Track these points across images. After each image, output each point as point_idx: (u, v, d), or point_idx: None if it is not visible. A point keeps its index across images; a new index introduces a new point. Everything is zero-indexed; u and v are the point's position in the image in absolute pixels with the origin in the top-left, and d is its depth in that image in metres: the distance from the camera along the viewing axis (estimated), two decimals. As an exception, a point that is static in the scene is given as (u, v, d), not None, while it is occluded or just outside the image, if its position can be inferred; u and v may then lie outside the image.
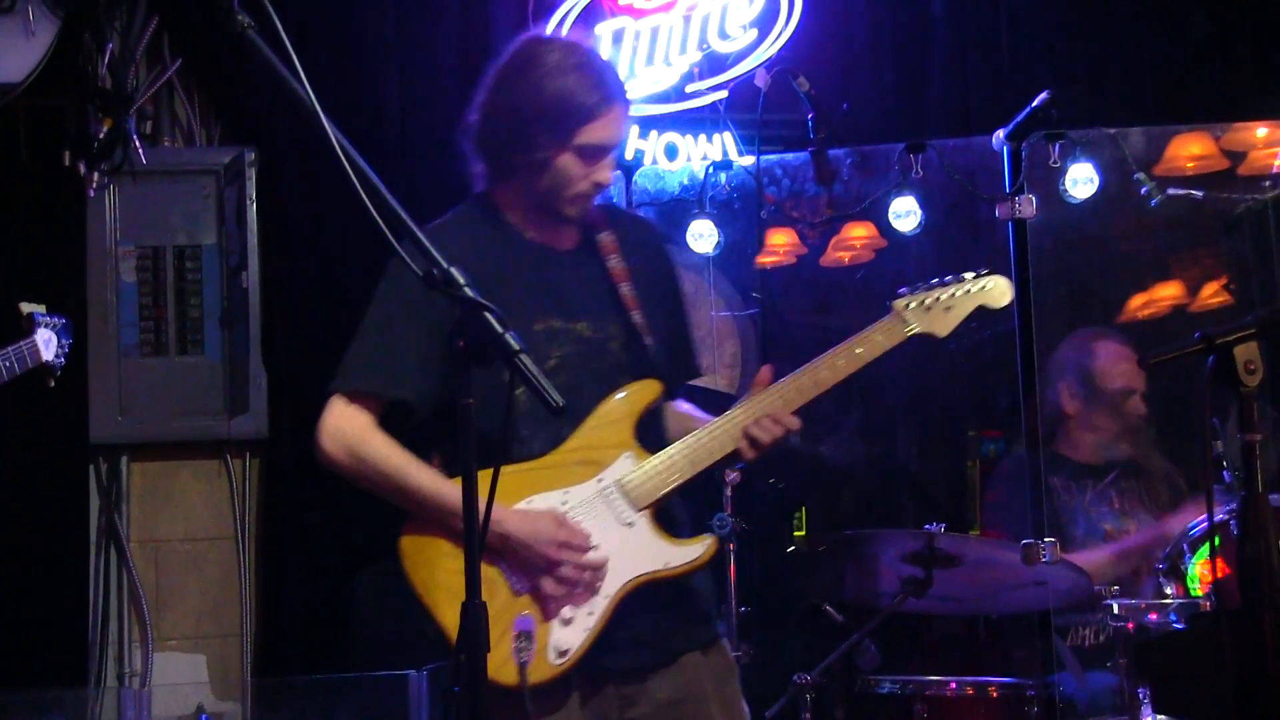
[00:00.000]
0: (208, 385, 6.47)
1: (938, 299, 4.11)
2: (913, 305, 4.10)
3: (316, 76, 2.89)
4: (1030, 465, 5.66)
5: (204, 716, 5.99)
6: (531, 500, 3.83)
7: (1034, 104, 5.43)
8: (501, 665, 3.63)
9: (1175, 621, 4.95)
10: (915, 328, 4.08)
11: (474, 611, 2.95)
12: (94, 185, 6.35)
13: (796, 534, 5.77)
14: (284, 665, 6.22)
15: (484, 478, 3.76)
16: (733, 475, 5.36)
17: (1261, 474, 3.44)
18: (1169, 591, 5.01)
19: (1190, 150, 6.00)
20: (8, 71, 6.34)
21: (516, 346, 2.90)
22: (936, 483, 6.23)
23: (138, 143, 6.37)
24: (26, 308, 3.77)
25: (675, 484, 3.93)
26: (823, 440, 6.13)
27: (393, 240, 2.90)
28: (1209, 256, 6.46)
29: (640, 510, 3.89)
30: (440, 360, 3.83)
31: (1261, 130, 6.13)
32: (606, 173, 3.98)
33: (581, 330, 3.99)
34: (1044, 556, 5.08)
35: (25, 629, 6.15)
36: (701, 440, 3.95)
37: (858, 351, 4.03)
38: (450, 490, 3.78)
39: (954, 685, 5.34)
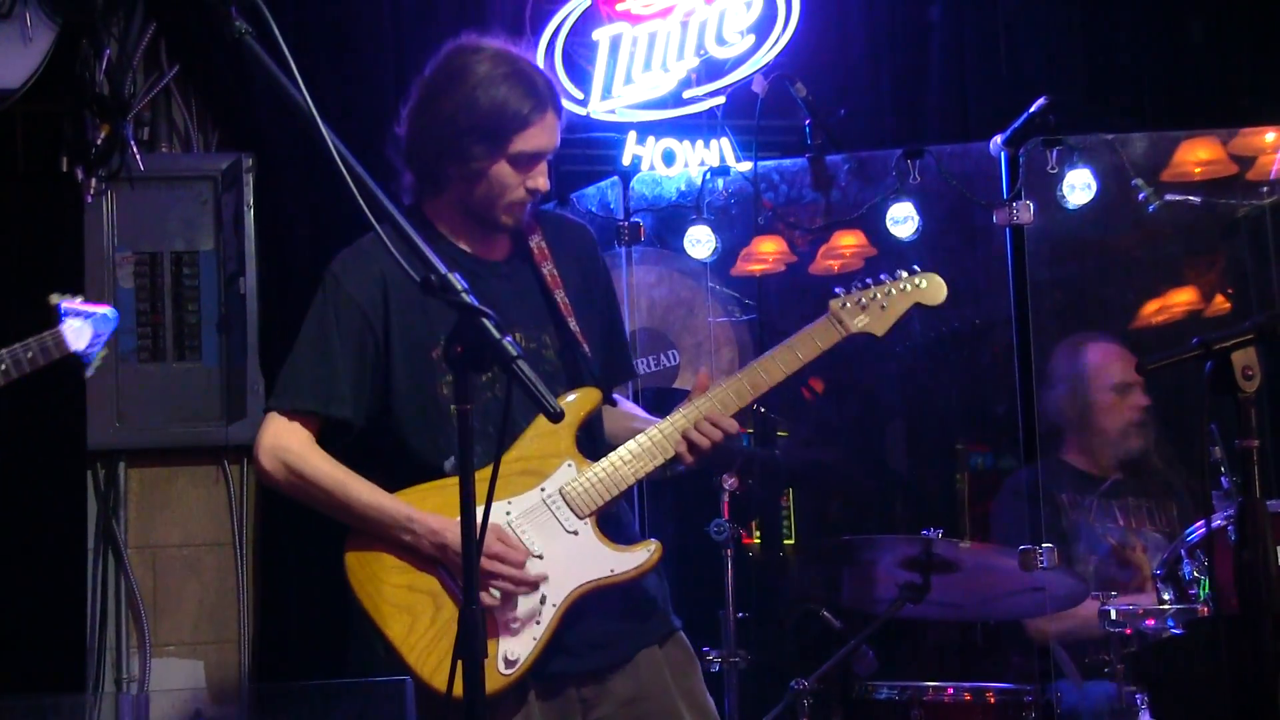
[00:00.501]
0: (205, 391, 6.46)
1: (874, 297, 4.16)
2: (849, 305, 4.13)
3: (314, 82, 2.89)
4: (1026, 473, 5.68)
5: None
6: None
7: (1032, 110, 5.45)
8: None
9: (1173, 627, 4.94)
10: (852, 327, 4.12)
11: (471, 618, 2.96)
12: (91, 191, 6.32)
13: (786, 541, 5.76)
14: (281, 671, 6.21)
15: (429, 490, 3.88)
16: (731, 482, 5.36)
17: (1260, 480, 3.44)
18: (1166, 597, 5.00)
19: (1198, 155, 6.00)
20: (5, 77, 6.32)
21: (514, 352, 2.91)
22: (930, 492, 6.22)
23: (135, 148, 6.34)
24: (55, 298, 3.69)
25: (617, 491, 3.96)
26: (815, 448, 6.11)
27: (390, 244, 2.92)
28: (1220, 262, 6.45)
29: (583, 518, 3.92)
30: (370, 379, 3.93)
31: (1270, 135, 6.13)
32: (541, 179, 3.99)
33: (517, 340, 3.98)
34: (1041, 562, 5.09)
35: (23, 634, 6.16)
36: (642, 446, 3.97)
37: (797, 354, 4.06)
38: (389, 503, 3.86)
39: (951, 691, 5.35)
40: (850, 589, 5.58)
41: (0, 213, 6.19)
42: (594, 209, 6.41)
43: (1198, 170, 6.03)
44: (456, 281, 2.94)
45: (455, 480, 3.67)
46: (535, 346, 4.02)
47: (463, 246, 4.05)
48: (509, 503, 3.89)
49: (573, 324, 4.05)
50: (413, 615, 3.83)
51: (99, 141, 6.32)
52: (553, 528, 3.90)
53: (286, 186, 6.42)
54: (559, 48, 6.59)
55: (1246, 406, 3.48)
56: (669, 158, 6.48)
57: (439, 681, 3.74)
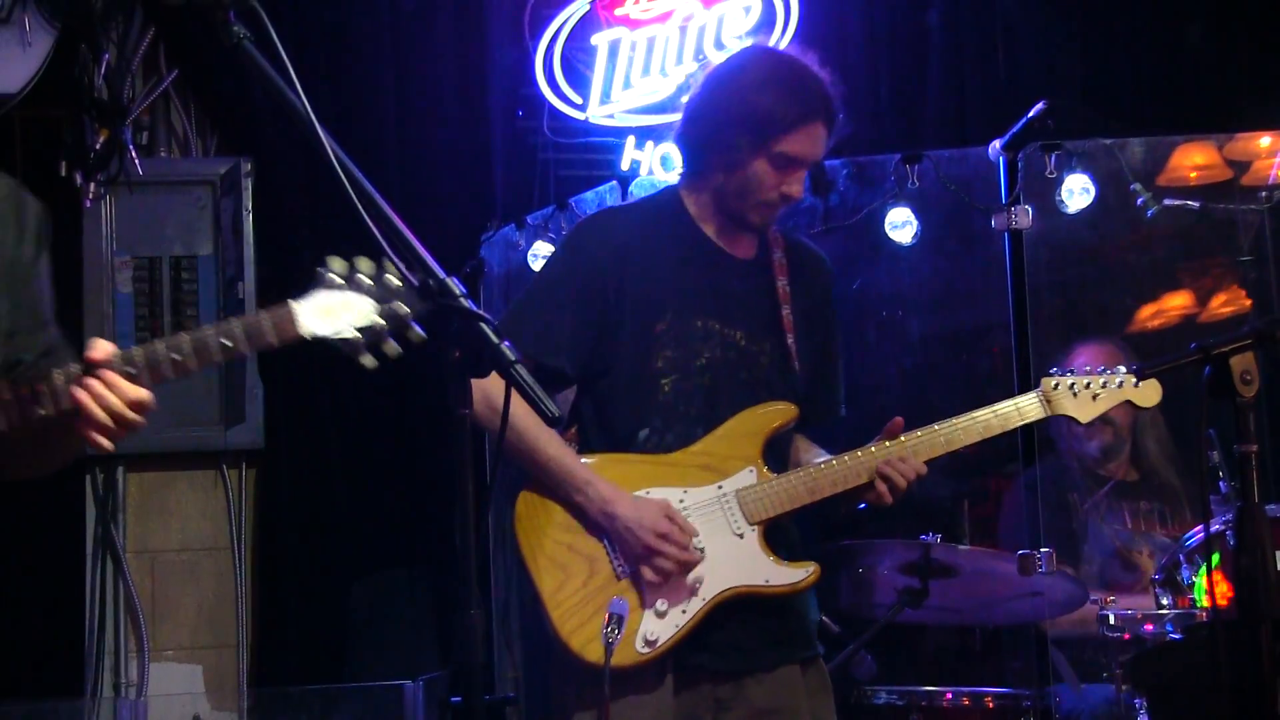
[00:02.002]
0: (204, 396, 6.48)
1: (1087, 386, 4.18)
2: (1060, 387, 4.16)
3: (312, 87, 2.86)
4: (1025, 476, 5.66)
5: None
6: (650, 491, 3.92)
7: (1030, 114, 5.43)
8: (588, 642, 3.80)
9: (1171, 632, 4.90)
10: (1058, 409, 4.15)
11: (468, 622, 2.90)
12: (90, 196, 6.37)
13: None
14: (280, 675, 6.24)
15: (613, 461, 3.95)
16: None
17: (1258, 484, 3.44)
18: (1165, 602, 4.95)
19: (1194, 160, 6.01)
20: (4, 82, 6.39)
21: (512, 357, 2.88)
22: (929, 497, 6.22)
23: (134, 153, 6.41)
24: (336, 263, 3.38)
25: (791, 506, 3.98)
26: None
27: (386, 247, 2.87)
28: (1217, 267, 6.45)
29: (752, 524, 3.95)
30: (593, 336, 3.99)
31: (1265, 140, 6.12)
32: (797, 186, 4.05)
33: (737, 338, 4.08)
34: (1040, 567, 5.07)
35: (21, 640, 6.14)
36: (825, 471, 4.00)
37: (999, 421, 4.11)
38: (574, 464, 3.92)
39: (950, 696, 5.32)
40: (849, 594, 5.54)
41: None
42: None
43: (1193, 175, 6.04)
44: (454, 286, 2.89)
45: (643, 458, 3.96)
46: (754, 349, 4.08)
47: (709, 234, 4.12)
48: (685, 492, 3.94)
49: (790, 339, 4.10)
50: (566, 574, 3.87)
51: (98, 146, 6.38)
52: (721, 526, 3.93)
53: (285, 191, 6.45)
54: (557, 53, 6.67)
55: (1245, 411, 3.47)
56: (667, 162, 6.53)
57: (575, 643, 3.80)
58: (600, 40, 6.65)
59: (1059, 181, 5.73)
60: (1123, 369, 4.23)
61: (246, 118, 6.56)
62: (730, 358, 4.05)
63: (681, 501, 3.92)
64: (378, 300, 3.00)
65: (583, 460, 3.94)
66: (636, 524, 3.84)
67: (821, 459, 4.07)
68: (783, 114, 3.97)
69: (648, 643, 3.84)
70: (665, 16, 6.67)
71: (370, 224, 2.85)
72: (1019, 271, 5.48)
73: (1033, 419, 4.15)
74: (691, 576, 3.88)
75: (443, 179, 6.63)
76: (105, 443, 2.96)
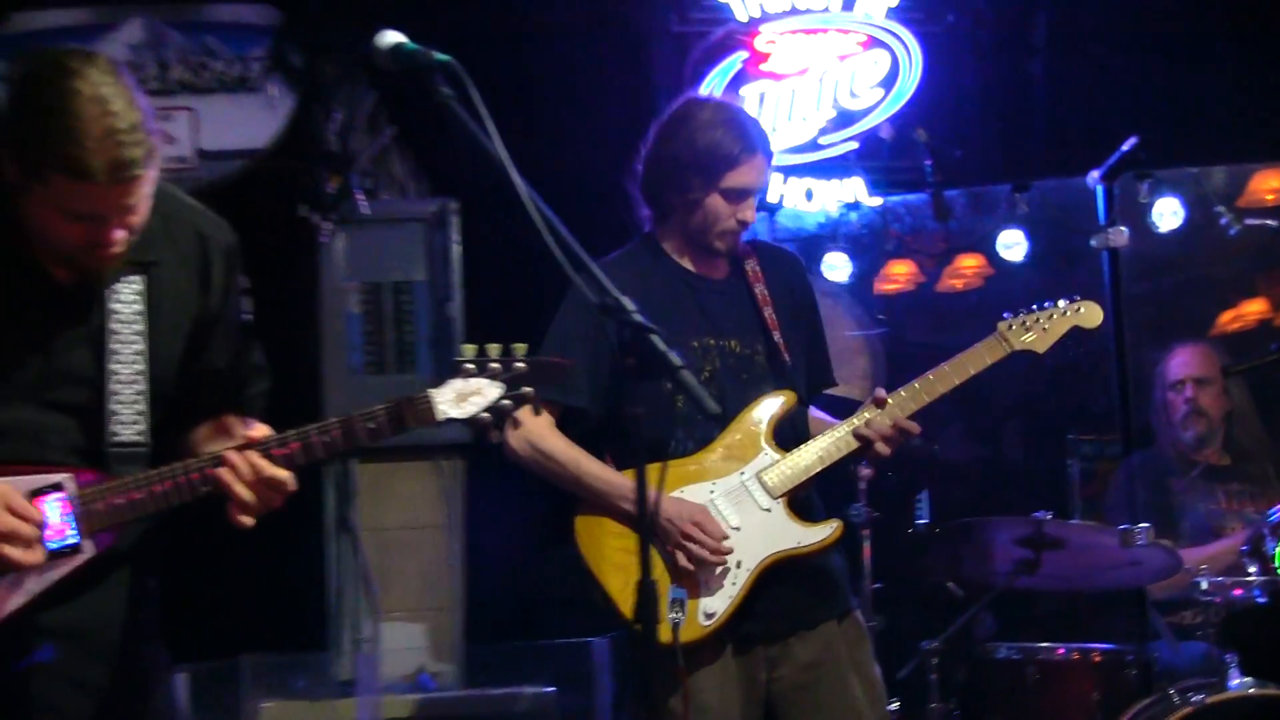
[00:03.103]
0: None
1: (1037, 320, 4.12)
2: (1014, 326, 4.11)
3: (507, 136, 2.89)
4: (1124, 460, 5.57)
5: (423, 676, 5.98)
6: (684, 490, 3.88)
7: (1124, 148, 5.37)
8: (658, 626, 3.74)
9: (1259, 596, 4.90)
10: (1017, 344, 4.09)
11: (646, 589, 2.94)
12: (325, 233, 6.39)
13: (920, 522, 5.75)
14: (489, 633, 6.24)
15: (652, 468, 3.84)
16: (866, 471, 5.37)
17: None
18: (1252, 570, 4.91)
19: (1270, 184, 5.98)
20: (255, 138, 6.54)
21: (678, 363, 2.88)
22: (1041, 479, 6.15)
23: (360, 196, 6.41)
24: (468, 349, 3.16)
25: (806, 476, 3.95)
26: (939, 440, 6.07)
27: (572, 273, 2.90)
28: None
29: (776, 498, 3.92)
30: (606, 374, 3.93)
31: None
32: (749, 212, 4.02)
33: (732, 347, 4.04)
34: (1139, 540, 4.97)
35: (277, 603, 6.29)
36: (829, 441, 3.97)
37: (967, 367, 4.05)
38: (617, 479, 3.88)
39: (1061, 651, 5.28)
40: (971, 564, 5.46)
41: (251, 252, 6.23)
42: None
43: (1270, 197, 6.00)
44: (628, 303, 2.91)
45: (672, 463, 3.88)
46: (748, 353, 4.05)
47: (687, 265, 4.10)
48: (713, 484, 3.91)
49: (777, 336, 4.06)
50: (627, 573, 3.74)
51: (331, 191, 6.39)
52: (749, 505, 3.90)
53: (486, 225, 6.45)
54: None
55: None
56: (809, 195, 6.55)
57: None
58: (750, 92, 6.65)
59: (1150, 205, 5.73)
60: (1064, 302, 4.16)
61: (453, 164, 6.52)
62: (730, 364, 4.02)
63: (712, 492, 3.90)
64: (506, 384, 3.00)
65: (621, 474, 3.91)
66: (676, 517, 3.81)
67: (828, 430, 4.04)
68: (725, 153, 3.95)
69: (708, 616, 3.82)
70: (803, 71, 6.66)
71: (557, 251, 2.88)
72: (1116, 285, 5.42)
73: (999, 357, 4.07)
74: (733, 556, 3.85)
75: (618, 214, 6.60)
76: (246, 520, 2.91)
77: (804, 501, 4.00)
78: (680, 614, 3.73)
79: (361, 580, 6.42)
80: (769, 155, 4.09)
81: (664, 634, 3.71)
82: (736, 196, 3.98)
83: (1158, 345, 5.90)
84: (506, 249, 6.42)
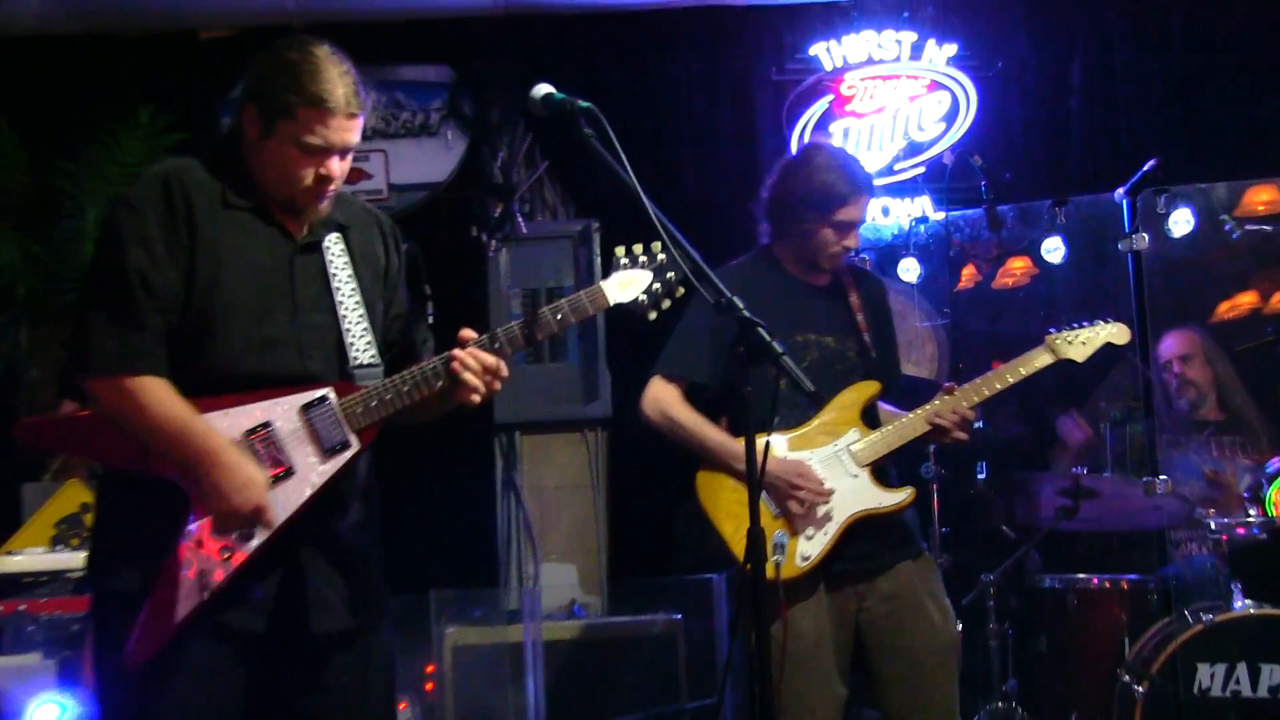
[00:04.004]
0: (570, 382, 6.57)
1: (1078, 335, 4.14)
2: (1059, 340, 4.13)
3: (638, 168, 2.96)
4: (1145, 427, 5.60)
5: (576, 606, 6.03)
6: (788, 455, 3.94)
7: (1145, 168, 5.32)
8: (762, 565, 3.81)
9: (1258, 533, 4.96)
10: (1062, 354, 4.11)
11: (755, 535, 2.99)
12: (492, 249, 6.50)
13: (979, 478, 5.76)
14: (627, 572, 6.32)
15: (762, 437, 3.88)
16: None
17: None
18: (1252, 512, 5.00)
19: (1261, 197, 5.87)
20: (435, 174, 6.66)
21: (780, 350, 2.92)
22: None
23: (520, 219, 6.51)
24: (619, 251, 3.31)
25: (887, 450, 4.00)
26: (997, 416, 6.06)
27: (693, 279, 2.98)
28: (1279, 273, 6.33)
29: (862, 467, 3.98)
30: (724, 357, 3.95)
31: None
32: (853, 240, 4.08)
33: (829, 342, 4.08)
34: (1159, 490, 5.06)
35: (457, 549, 6.32)
36: (907, 422, 4.02)
37: (1020, 370, 4.08)
38: (732, 444, 3.91)
39: (1096, 581, 5.33)
40: (1021, 511, 5.54)
41: (434, 266, 6.37)
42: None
43: (1261, 208, 5.90)
44: (738, 302, 2.94)
45: (778, 433, 3.93)
46: (842, 348, 4.08)
47: (796, 275, 4.13)
48: (811, 453, 3.95)
49: (866, 337, 4.11)
50: (739, 521, 3.84)
51: (496, 215, 6.50)
52: (840, 472, 3.95)
53: (622, 240, 6.52)
54: (807, 137, 6.63)
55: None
56: (885, 212, 6.52)
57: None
58: (836, 128, 6.65)
59: (1167, 215, 5.62)
60: (1101, 322, 4.17)
61: (594, 191, 6.62)
62: (827, 356, 4.05)
63: (810, 460, 3.94)
64: (654, 272, 3.11)
65: (736, 440, 3.90)
66: (781, 474, 3.86)
67: (897, 417, 4.07)
68: (837, 193, 3.98)
69: (804, 559, 3.87)
70: (880, 110, 6.63)
71: (681, 262, 2.98)
72: (1139, 280, 5.41)
73: (1048, 364, 4.08)
74: (825, 510, 3.89)
75: (729, 230, 6.61)
76: (476, 398, 3.02)
77: (884, 470, 4.02)
78: (781, 556, 3.77)
79: (525, 529, 6.56)
80: (872, 193, 4.10)
81: (768, 571, 3.71)
82: (844, 229, 4.02)
83: (1173, 329, 5.89)
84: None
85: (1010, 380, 4.06)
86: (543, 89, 3.07)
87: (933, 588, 4.09)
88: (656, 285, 3.11)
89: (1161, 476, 5.08)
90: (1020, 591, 5.40)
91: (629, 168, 2.94)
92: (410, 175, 6.65)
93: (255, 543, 2.90)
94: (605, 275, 3.14)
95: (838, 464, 3.97)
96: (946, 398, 4.02)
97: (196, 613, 2.84)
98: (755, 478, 2.98)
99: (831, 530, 3.91)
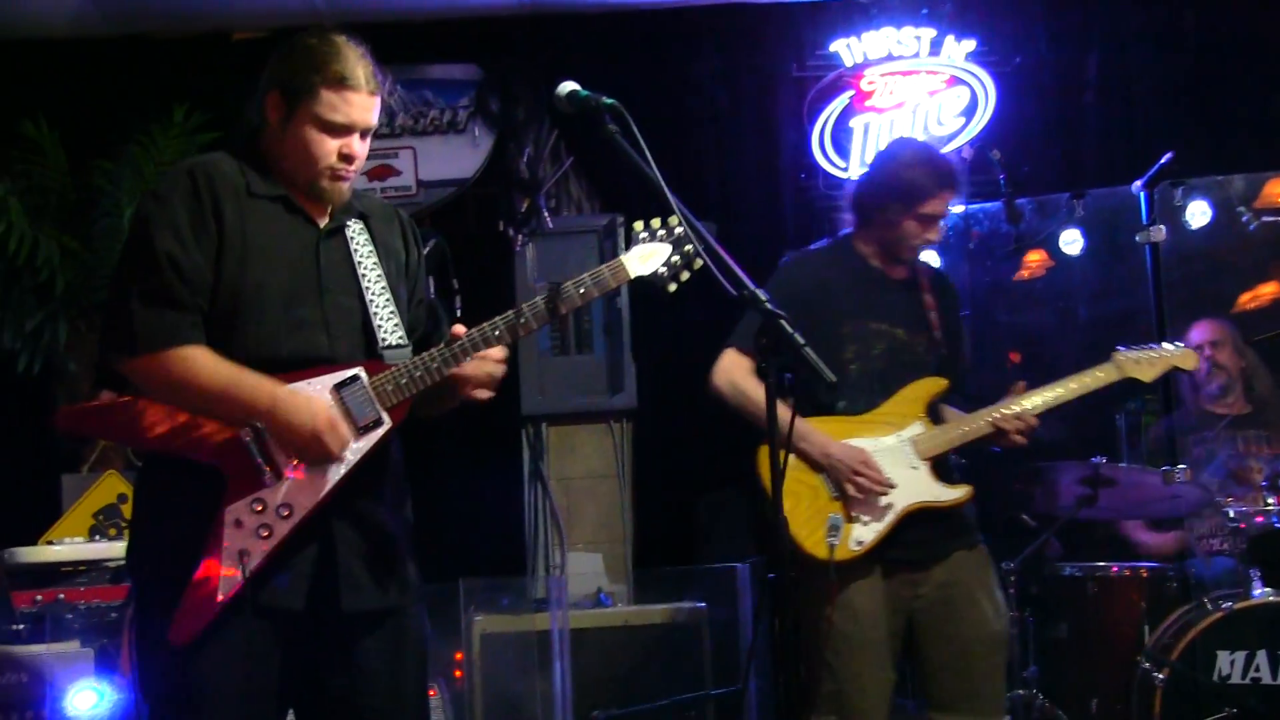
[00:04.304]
0: (595, 374, 6.56)
1: (1146, 355, 4.13)
2: (1126, 358, 4.11)
3: (661, 162, 2.96)
4: (1164, 417, 5.59)
5: (602, 594, 5.96)
6: (851, 440, 3.93)
7: (1161, 162, 5.32)
8: (817, 544, 3.80)
9: (1276, 522, 4.94)
10: (1128, 373, 4.11)
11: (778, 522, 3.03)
12: (518, 244, 6.51)
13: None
14: (653, 560, 6.29)
15: (823, 421, 3.88)
16: None
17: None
18: (1271, 501, 4.96)
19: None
20: (462, 170, 6.64)
21: (801, 341, 2.90)
22: (1094, 429, 6.12)
23: (546, 214, 6.52)
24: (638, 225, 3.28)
25: (949, 447, 4.02)
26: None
27: (716, 271, 2.93)
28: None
29: (923, 460, 3.98)
30: (802, 335, 3.96)
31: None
32: (936, 234, 4.09)
33: (900, 334, 4.08)
34: (1178, 478, 5.01)
35: (484, 538, 6.29)
36: (971, 424, 4.02)
37: (1086, 382, 4.07)
38: (797, 422, 3.76)
39: (1115, 569, 5.29)
40: (1041, 500, 5.47)
41: (461, 260, 6.35)
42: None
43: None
44: (761, 295, 2.93)
45: (845, 420, 3.95)
46: (911, 341, 4.07)
47: (875, 265, 4.13)
48: (875, 441, 3.95)
49: (937, 334, 4.11)
50: (797, 499, 3.87)
51: (522, 210, 6.51)
52: (901, 463, 3.95)
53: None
54: (828, 133, 6.63)
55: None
56: None
57: (808, 546, 3.83)
58: (857, 123, 6.63)
59: (1184, 207, 5.63)
60: (1169, 345, 4.15)
61: (618, 186, 6.62)
62: (896, 348, 4.04)
63: (873, 448, 3.93)
64: (673, 245, 3.09)
65: (803, 419, 3.87)
66: (843, 460, 3.87)
67: (957, 417, 4.06)
68: (923, 187, 3.99)
69: (858, 543, 3.87)
70: (900, 105, 6.61)
71: (704, 255, 2.97)
72: (1156, 271, 5.40)
73: (1113, 381, 4.07)
74: (884, 500, 3.89)
75: (750, 221, 6.59)
76: (484, 395, 3.04)
77: (944, 465, 4.03)
78: (835, 538, 3.78)
79: (552, 519, 6.56)
80: (956, 188, 4.09)
81: (821, 551, 3.78)
82: (927, 221, 4.03)
83: (1189, 318, 5.85)
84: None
85: (1077, 392, 4.05)
86: (568, 86, 3.06)
87: (987, 579, 4.08)
88: (675, 258, 3.09)
89: (1180, 465, 5.04)
90: (1040, 579, 5.35)
91: (652, 163, 2.93)
92: (438, 172, 6.63)
93: (293, 521, 2.92)
94: (627, 249, 3.16)
95: (899, 454, 3.97)
96: (1013, 402, 4.01)
97: (238, 591, 2.86)
98: (778, 469, 2.97)
99: (888, 518, 3.91)
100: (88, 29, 6.53)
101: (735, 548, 5.87)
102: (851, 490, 3.88)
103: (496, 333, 3.03)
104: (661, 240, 3.10)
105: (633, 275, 3.09)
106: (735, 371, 4.02)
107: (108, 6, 6.30)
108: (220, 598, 2.85)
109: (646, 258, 3.10)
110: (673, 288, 3.12)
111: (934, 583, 3.99)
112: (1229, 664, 4.75)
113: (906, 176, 4.02)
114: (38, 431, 6.25)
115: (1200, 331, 5.89)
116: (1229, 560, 5.21)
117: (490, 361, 3.05)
